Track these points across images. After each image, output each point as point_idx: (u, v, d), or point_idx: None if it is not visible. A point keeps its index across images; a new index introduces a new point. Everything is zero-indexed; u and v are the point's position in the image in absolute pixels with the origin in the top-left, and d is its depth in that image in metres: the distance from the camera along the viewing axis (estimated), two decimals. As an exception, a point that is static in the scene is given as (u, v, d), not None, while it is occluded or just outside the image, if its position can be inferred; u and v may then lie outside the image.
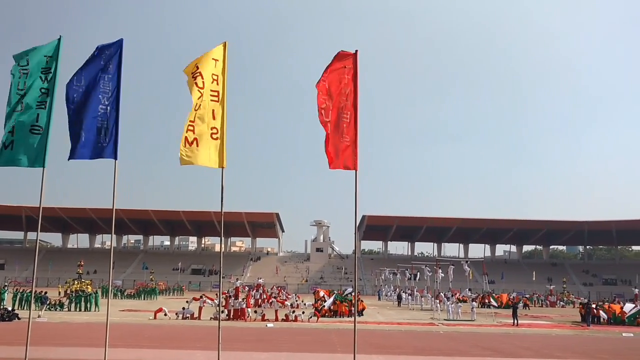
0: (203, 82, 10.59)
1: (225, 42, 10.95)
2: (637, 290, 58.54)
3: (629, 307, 36.30)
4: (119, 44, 10.28)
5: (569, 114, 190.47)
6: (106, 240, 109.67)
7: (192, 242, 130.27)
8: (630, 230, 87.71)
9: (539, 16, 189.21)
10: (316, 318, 30.59)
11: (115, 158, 10.12)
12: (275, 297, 38.67)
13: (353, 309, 34.16)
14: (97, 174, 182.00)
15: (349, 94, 11.26)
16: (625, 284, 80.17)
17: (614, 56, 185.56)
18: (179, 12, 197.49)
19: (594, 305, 36.25)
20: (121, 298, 51.91)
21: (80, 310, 34.56)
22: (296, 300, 41.77)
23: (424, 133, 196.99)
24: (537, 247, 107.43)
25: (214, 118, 10.70)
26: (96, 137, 10.03)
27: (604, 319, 34.43)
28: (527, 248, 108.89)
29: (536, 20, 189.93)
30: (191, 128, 10.51)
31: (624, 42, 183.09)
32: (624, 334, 27.49)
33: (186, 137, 10.45)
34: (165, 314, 30.07)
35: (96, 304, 35.20)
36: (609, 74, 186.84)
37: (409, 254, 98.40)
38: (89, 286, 43.93)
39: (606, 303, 41.55)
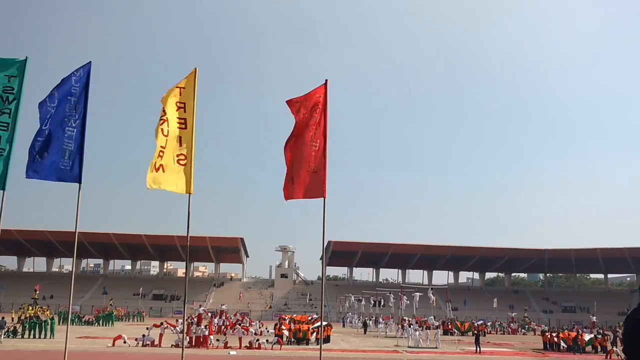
0: (169, 111, 10.63)
1: (195, 69, 10.96)
2: (594, 317, 59.79)
3: (587, 336, 37.21)
4: (87, 68, 10.16)
5: (531, 144, 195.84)
6: (64, 264, 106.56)
7: (154, 267, 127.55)
8: (588, 259, 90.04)
9: (502, 46, 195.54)
10: (279, 345, 30.22)
11: (80, 182, 9.92)
12: (239, 324, 38.08)
13: (318, 335, 33.99)
14: (55, 195, 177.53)
15: (319, 123, 11.39)
16: (584, 311, 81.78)
17: (568, 90, 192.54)
18: (147, 37, 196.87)
19: (554, 334, 36.98)
20: (79, 324, 50.23)
21: (34, 337, 33.30)
22: (260, 327, 41.20)
23: (389, 160, 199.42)
24: (499, 274, 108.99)
25: (180, 145, 10.64)
26: (61, 159, 9.81)
27: (563, 347, 35.05)
28: (489, 275, 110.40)
29: (500, 49, 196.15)
30: (161, 154, 10.46)
31: (597, 72, 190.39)
32: (582, 362, 27.99)
33: (154, 163, 10.38)
34: (125, 342, 29.22)
35: (51, 331, 33.95)
36: (569, 104, 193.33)
37: (374, 280, 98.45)
38: (45, 312, 42.46)
39: (565, 331, 42.37)
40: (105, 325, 49.35)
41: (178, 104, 10.77)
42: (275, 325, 38.23)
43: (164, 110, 10.60)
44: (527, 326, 63.40)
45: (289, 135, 11.42)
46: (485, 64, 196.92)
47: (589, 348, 35.25)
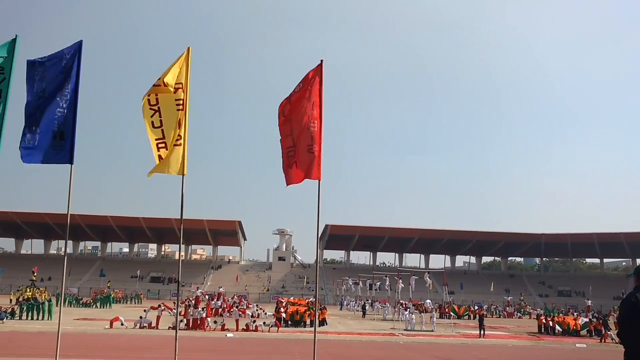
0: (171, 94, 10.42)
1: (188, 48, 10.78)
2: (589, 301, 60.21)
3: (583, 320, 37.50)
4: (78, 46, 9.98)
5: (528, 131, 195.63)
6: (62, 247, 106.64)
7: (151, 249, 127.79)
8: (584, 243, 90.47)
9: (507, 27, 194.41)
10: (277, 328, 30.35)
11: (71, 163, 9.79)
12: (236, 307, 38.24)
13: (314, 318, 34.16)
14: (55, 178, 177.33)
15: (315, 104, 11.26)
16: (579, 295, 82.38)
17: (582, 76, 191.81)
18: (141, 16, 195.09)
19: (549, 318, 37.23)
20: (77, 306, 50.43)
21: (32, 318, 33.41)
22: (257, 310, 41.40)
23: (387, 143, 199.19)
24: (496, 258, 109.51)
25: (179, 127, 10.48)
26: (51, 141, 9.67)
27: (558, 331, 35.29)
28: (486, 259, 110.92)
29: (504, 31, 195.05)
30: (162, 145, 10.30)
31: (595, 60, 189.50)
32: (577, 345, 28.19)
33: (158, 156, 10.26)
34: (122, 324, 29.30)
35: (49, 313, 34.07)
36: (557, 94, 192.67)
37: (371, 263, 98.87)
38: (43, 294, 42.61)
39: (560, 315, 42.66)
40: (103, 308, 49.54)
41: (177, 84, 10.58)
42: (276, 308, 38.39)
43: (155, 99, 10.35)
44: (522, 310, 63.92)
45: (281, 120, 11.31)
46: (487, 47, 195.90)
47: (583, 332, 35.50)
